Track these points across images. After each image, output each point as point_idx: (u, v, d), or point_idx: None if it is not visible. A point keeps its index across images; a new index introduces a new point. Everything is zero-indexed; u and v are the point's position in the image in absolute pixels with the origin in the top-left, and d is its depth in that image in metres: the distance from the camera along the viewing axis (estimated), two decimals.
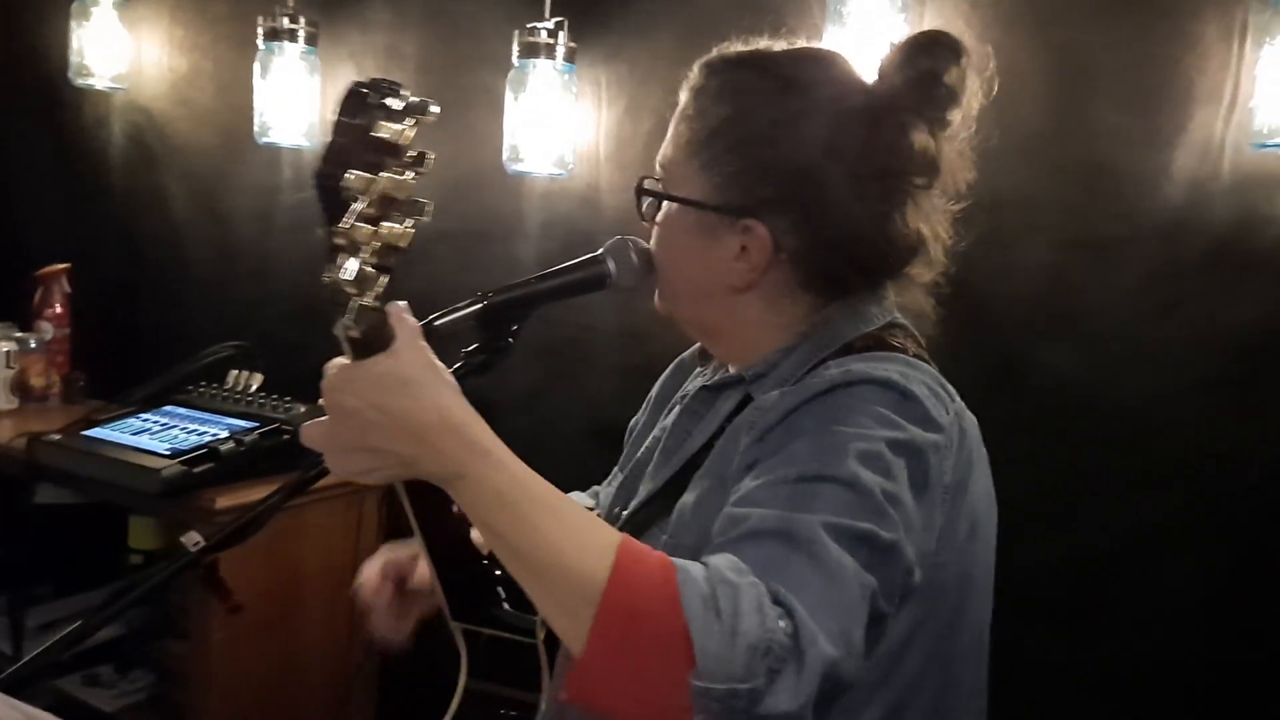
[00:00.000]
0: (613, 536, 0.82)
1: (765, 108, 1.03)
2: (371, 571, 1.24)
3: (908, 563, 0.89)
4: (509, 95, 1.99)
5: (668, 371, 1.35)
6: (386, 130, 0.75)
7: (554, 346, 2.05)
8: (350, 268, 0.75)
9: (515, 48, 1.97)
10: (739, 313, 1.08)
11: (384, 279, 0.77)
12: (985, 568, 1.04)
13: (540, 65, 1.95)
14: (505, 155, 2.01)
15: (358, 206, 0.75)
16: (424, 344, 0.85)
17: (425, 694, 1.95)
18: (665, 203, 1.08)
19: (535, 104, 1.96)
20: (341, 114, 0.75)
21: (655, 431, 1.23)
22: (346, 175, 0.74)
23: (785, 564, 0.81)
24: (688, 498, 1.03)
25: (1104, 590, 1.62)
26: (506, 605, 1.04)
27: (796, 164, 1.01)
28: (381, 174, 0.75)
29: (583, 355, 2.03)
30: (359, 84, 0.77)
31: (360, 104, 0.75)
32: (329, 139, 0.75)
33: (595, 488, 1.42)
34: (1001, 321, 1.67)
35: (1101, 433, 1.61)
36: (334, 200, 0.75)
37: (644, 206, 1.11)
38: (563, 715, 1.06)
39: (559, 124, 1.98)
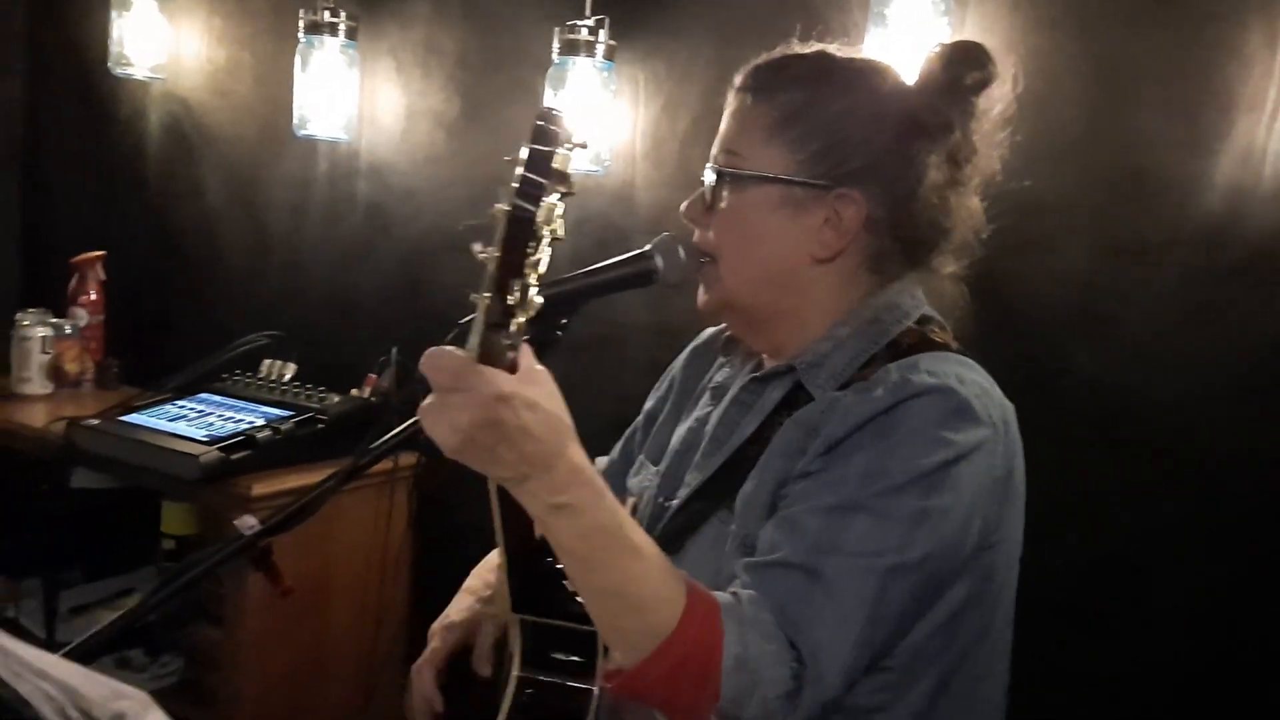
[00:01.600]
0: (682, 592, 0.93)
1: (840, 93, 1.12)
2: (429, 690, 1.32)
3: (941, 567, 1.01)
4: (547, 92, 2.00)
5: (684, 359, 1.40)
6: (562, 160, 0.78)
7: (586, 342, 2.06)
8: (524, 288, 0.76)
9: (555, 45, 1.98)
10: (805, 291, 1.14)
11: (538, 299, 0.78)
12: (1020, 548, 1.13)
13: (580, 63, 1.97)
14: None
15: (544, 235, 0.77)
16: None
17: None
18: (740, 186, 1.12)
19: (574, 101, 1.98)
20: (535, 145, 0.77)
21: (690, 422, 1.27)
22: (541, 205, 0.76)
23: (805, 599, 0.96)
24: (748, 487, 1.09)
25: (1132, 593, 1.63)
26: (577, 599, 1.06)
27: (878, 140, 1.11)
28: (555, 201, 0.77)
29: (615, 351, 2.05)
30: (547, 114, 0.79)
31: (548, 135, 0.77)
32: (524, 172, 0.76)
33: (600, 459, 1.44)
34: (1036, 324, 1.68)
35: (1134, 436, 1.62)
36: (524, 230, 0.76)
37: (718, 191, 1.14)
38: (619, 702, 1.09)
39: (597, 121, 2.00)
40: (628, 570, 0.90)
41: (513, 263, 0.76)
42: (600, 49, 1.97)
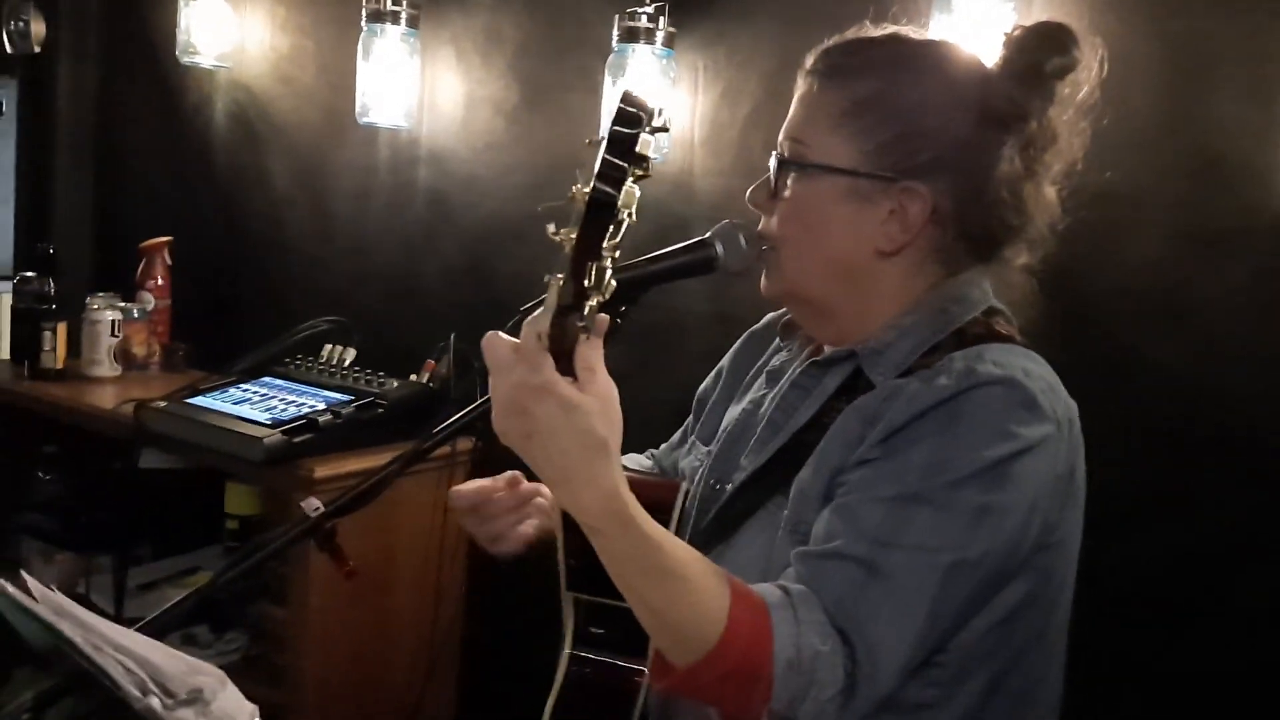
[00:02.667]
0: (725, 602, 0.91)
1: (913, 82, 1.09)
2: (471, 483, 1.25)
3: (1000, 565, 0.99)
4: (607, 79, 2.00)
5: (739, 344, 1.39)
6: (643, 145, 0.78)
7: (644, 330, 2.06)
8: (601, 271, 0.77)
9: (615, 32, 1.98)
10: (870, 284, 1.12)
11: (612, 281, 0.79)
12: (1078, 550, 1.10)
13: (639, 50, 1.96)
14: (587, 143, 2.02)
15: (623, 219, 0.77)
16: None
17: (507, 664, 2.00)
18: (804, 175, 1.10)
19: (620, 94, 1.97)
20: (618, 128, 0.77)
21: (745, 404, 1.26)
22: (623, 190, 0.76)
23: (862, 594, 0.94)
24: (805, 474, 1.07)
25: (1210, 592, 1.59)
26: None
27: (950, 130, 1.08)
28: (634, 185, 0.78)
29: (673, 339, 2.05)
30: (630, 97, 0.79)
31: (631, 118, 0.77)
32: (606, 155, 0.77)
33: (652, 450, 1.44)
34: (1108, 315, 1.64)
35: (1208, 431, 1.58)
36: (604, 213, 0.76)
37: (781, 179, 1.12)
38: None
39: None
40: (663, 593, 0.90)
41: (591, 245, 0.76)
42: (660, 36, 1.96)
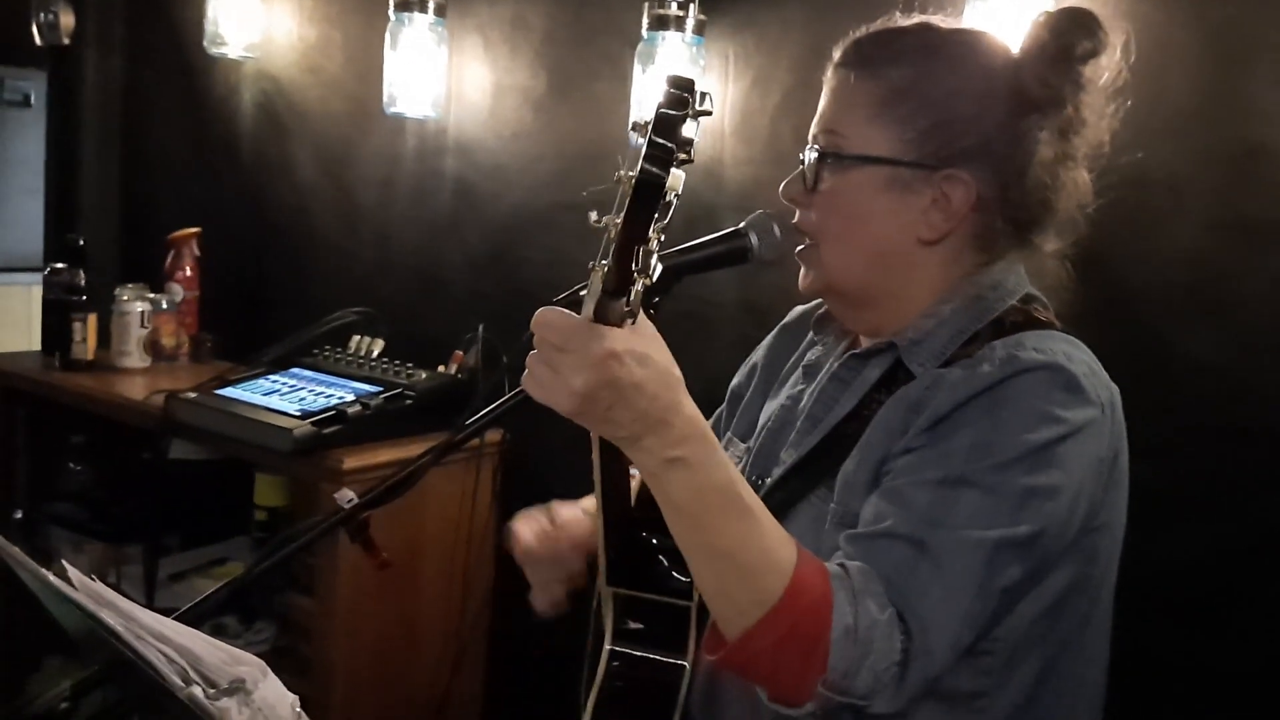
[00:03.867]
0: (793, 554, 0.91)
1: (948, 69, 1.09)
2: (528, 523, 1.28)
3: (1051, 545, 0.99)
4: (636, 68, 1.99)
5: (772, 336, 1.38)
6: (690, 127, 0.77)
7: (674, 321, 2.04)
8: (647, 255, 0.76)
9: (644, 20, 1.96)
10: (910, 273, 1.12)
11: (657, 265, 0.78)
12: (1122, 534, 1.10)
13: (669, 38, 1.95)
14: (630, 128, 2.01)
15: (670, 201, 0.76)
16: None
17: (533, 657, 2.00)
18: (842, 167, 1.10)
19: (663, 77, 1.96)
20: (665, 110, 0.76)
21: (782, 399, 1.26)
22: (670, 171, 0.76)
23: (912, 571, 0.94)
24: (850, 465, 1.07)
25: (1248, 586, 1.57)
26: (675, 573, 1.06)
27: (988, 116, 1.07)
28: (678, 169, 0.77)
29: (702, 330, 2.03)
30: (677, 79, 0.78)
31: (678, 101, 0.77)
32: (655, 137, 0.76)
33: None
34: (1144, 305, 1.62)
35: (1245, 423, 1.55)
36: (652, 196, 0.76)
37: (818, 172, 1.11)
38: (714, 676, 1.09)
39: None
40: (740, 531, 0.89)
41: (638, 229, 0.75)
42: (690, 23, 1.95)
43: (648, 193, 0.75)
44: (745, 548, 0.90)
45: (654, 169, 0.75)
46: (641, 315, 0.83)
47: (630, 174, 0.75)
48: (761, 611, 0.89)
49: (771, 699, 0.95)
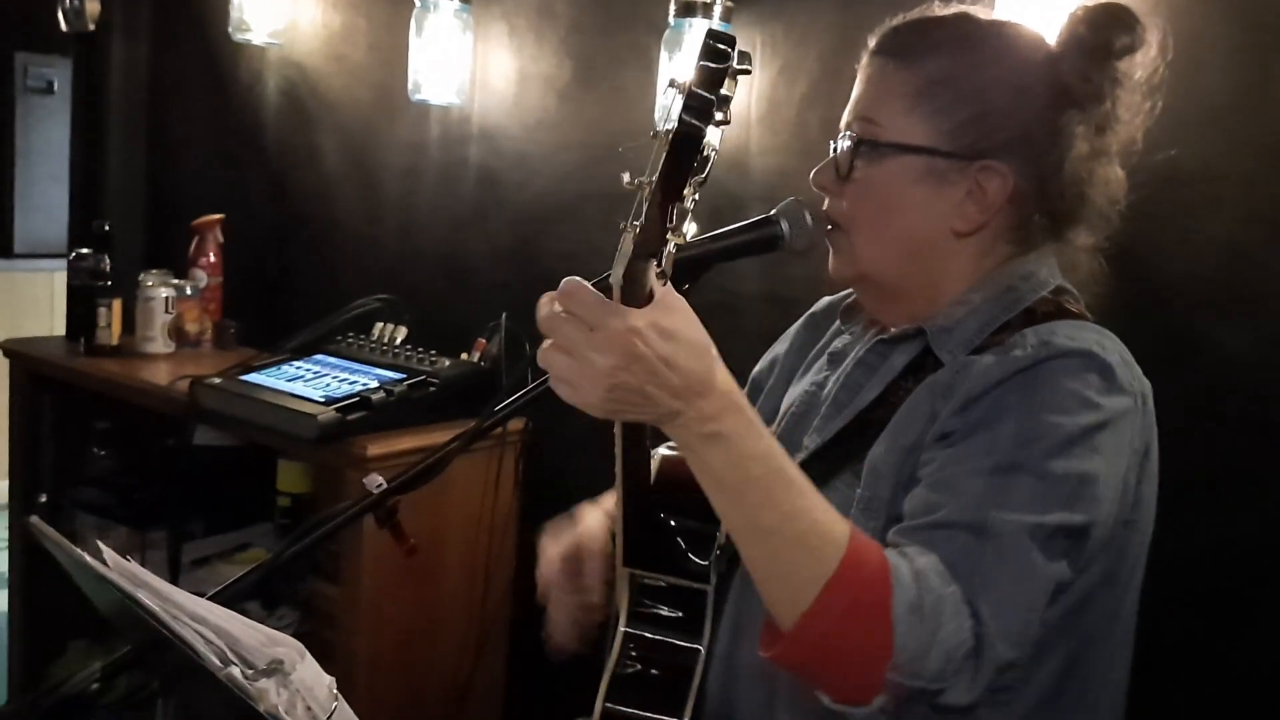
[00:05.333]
0: (845, 527, 0.87)
1: (987, 60, 1.09)
2: (554, 556, 1.29)
3: (1100, 535, 0.97)
4: (663, 55, 1.98)
5: (799, 325, 1.37)
6: (728, 86, 0.76)
7: (698, 310, 2.04)
8: (683, 213, 0.75)
9: (671, 7, 1.95)
10: (942, 264, 1.11)
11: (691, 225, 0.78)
12: (1152, 528, 1.09)
13: (697, 25, 1.93)
14: (657, 115, 2.01)
15: (709, 156, 0.75)
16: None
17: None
18: (877, 156, 1.09)
19: (690, 65, 1.95)
20: (706, 63, 0.75)
21: (806, 385, 1.24)
22: (710, 124, 0.74)
23: (975, 560, 0.90)
24: (878, 450, 1.06)
25: (1266, 583, 1.55)
26: (692, 555, 1.05)
27: (1026, 109, 1.07)
28: (719, 127, 0.76)
29: (727, 319, 2.02)
30: (718, 33, 0.77)
31: (719, 54, 0.75)
32: (694, 88, 0.74)
33: None
34: (1175, 298, 1.60)
35: (1277, 418, 1.54)
36: (691, 148, 0.74)
37: (852, 160, 1.10)
38: (730, 660, 1.08)
39: None
40: (787, 502, 0.86)
41: (676, 183, 0.74)
42: (717, 11, 1.93)
43: (686, 145, 0.73)
44: (794, 519, 0.86)
45: (693, 120, 0.73)
46: (669, 287, 0.81)
47: (667, 128, 0.74)
48: (817, 588, 0.85)
49: (837, 700, 0.90)
